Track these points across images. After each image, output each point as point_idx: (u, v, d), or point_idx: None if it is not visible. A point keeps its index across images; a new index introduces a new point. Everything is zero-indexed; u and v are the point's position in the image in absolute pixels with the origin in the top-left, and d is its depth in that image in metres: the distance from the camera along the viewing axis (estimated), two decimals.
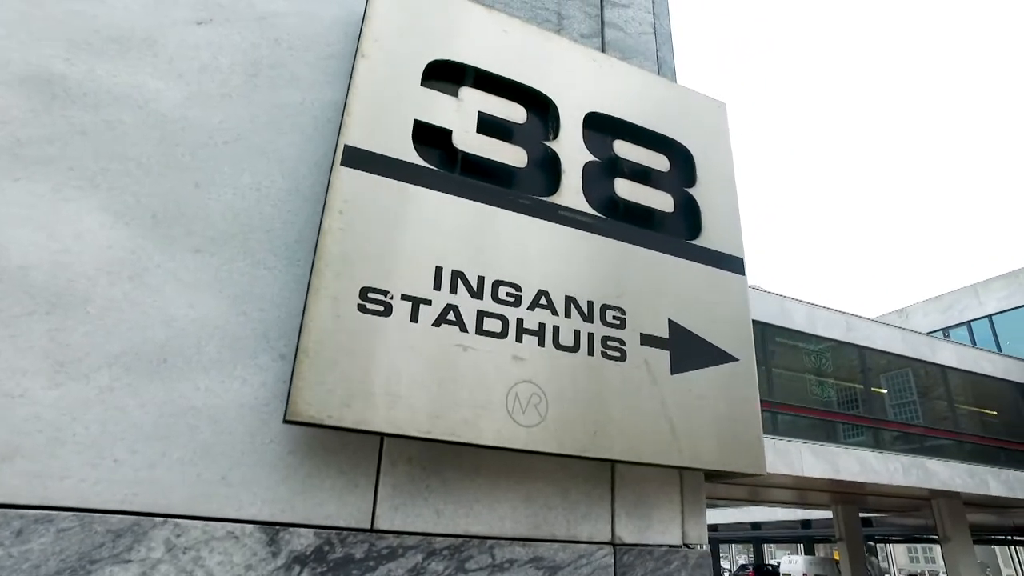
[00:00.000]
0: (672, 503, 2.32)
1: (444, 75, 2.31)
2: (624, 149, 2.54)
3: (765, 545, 35.30)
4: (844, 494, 19.61)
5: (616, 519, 2.19)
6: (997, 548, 37.72)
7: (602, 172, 2.47)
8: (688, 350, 2.29)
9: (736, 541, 38.89)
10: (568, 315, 2.12)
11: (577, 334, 2.10)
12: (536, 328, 2.04)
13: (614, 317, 2.20)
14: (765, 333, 14.22)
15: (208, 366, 1.80)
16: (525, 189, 2.29)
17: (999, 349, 20.21)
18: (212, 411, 1.76)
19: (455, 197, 2.09)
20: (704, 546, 2.31)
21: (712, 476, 2.39)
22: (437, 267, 1.97)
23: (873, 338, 15.87)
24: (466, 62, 2.35)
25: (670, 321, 2.29)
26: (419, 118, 2.15)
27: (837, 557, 21.44)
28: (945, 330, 22.77)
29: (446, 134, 2.19)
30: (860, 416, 14.89)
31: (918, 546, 44.06)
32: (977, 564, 16.94)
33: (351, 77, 2.10)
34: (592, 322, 2.15)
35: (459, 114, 2.22)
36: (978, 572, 16.77)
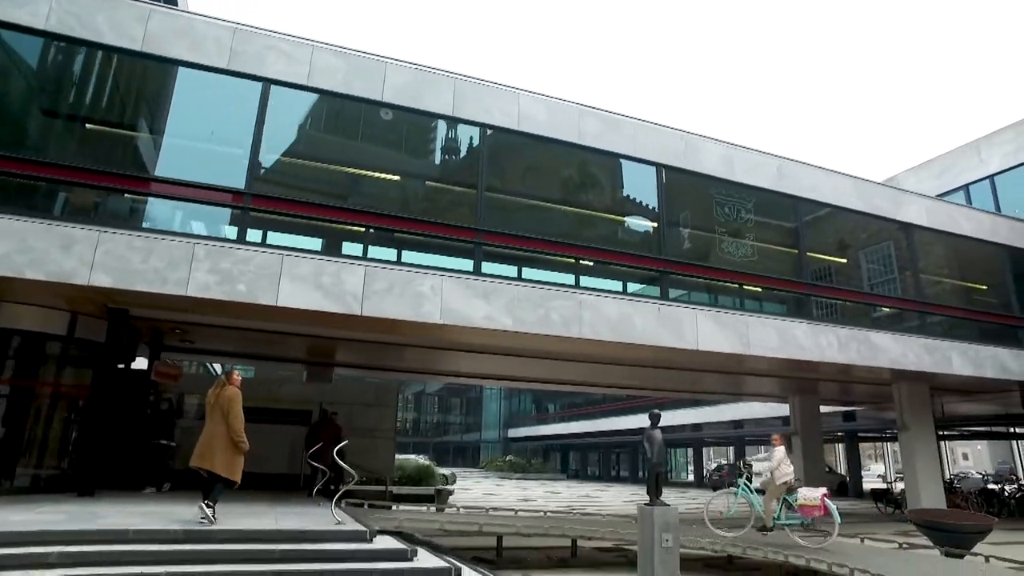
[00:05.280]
0: None
1: None
2: None
3: (749, 447, 33.46)
4: (799, 380, 17.11)
5: None
6: (1015, 443, 35.13)
7: None
8: None
9: (719, 443, 37.15)
10: None
11: None
12: None
13: None
14: (663, 177, 11.34)
15: None
16: None
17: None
18: None
19: None
20: None
21: None
22: None
23: (817, 188, 12.82)
24: None
25: None
26: None
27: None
28: (940, 197, 19.30)
29: None
30: (770, 277, 12.09)
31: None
32: (936, 457, 14.43)
33: None
34: None
35: None
36: (936, 466, 14.29)
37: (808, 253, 12.68)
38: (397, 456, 24.85)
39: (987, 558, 7.44)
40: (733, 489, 8.92)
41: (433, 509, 11.68)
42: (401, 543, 6.38)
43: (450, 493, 16.02)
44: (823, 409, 23.86)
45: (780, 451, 8.60)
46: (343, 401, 13.59)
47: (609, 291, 10.27)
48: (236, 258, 8.43)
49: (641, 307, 10.38)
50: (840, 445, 30.35)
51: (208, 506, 6.58)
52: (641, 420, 35.69)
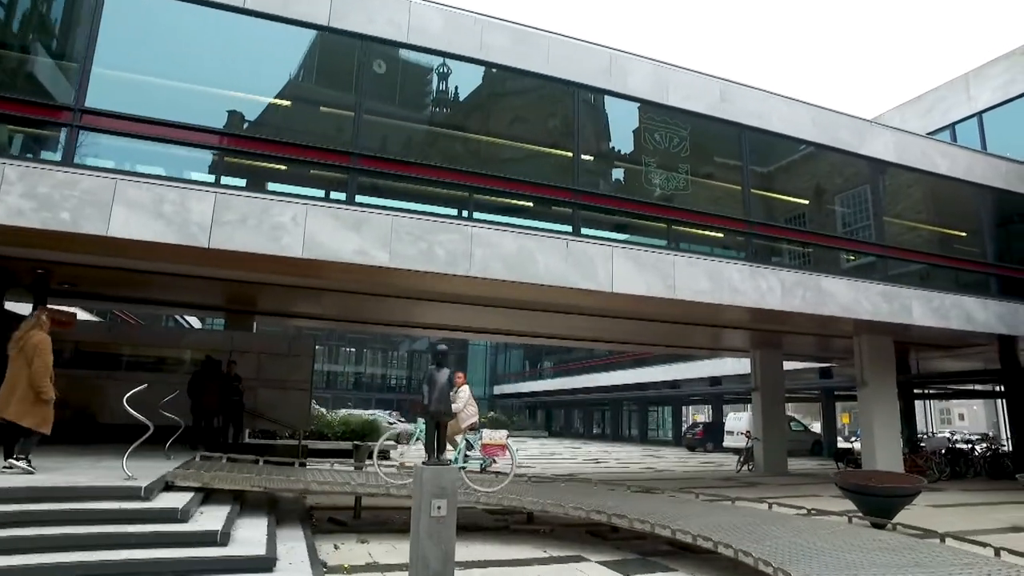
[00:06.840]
0: None
1: None
2: None
3: (728, 405, 32.52)
4: (760, 333, 16.03)
5: None
6: (998, 402, 33.89)
7: None
8: None
9: (698, 401, 36.27)
10: None
11: None
12: None
13: None
14: (580, 99, 10.07)
15: None
16: None
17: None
18: None
19: None
20: None
21: None
22: None
23: (766, 116, 11.46)
24: None
25: None
26: None
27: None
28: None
29: None
30: (703, 213, 10.86)
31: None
32: (896, 415, 13.38)
33: None
34: None
35: None
36: (896, 425, 13.25)
37: (767, 193, 11.53)
38: (348, 411, 24.23)
39: (894, 526, 6.44)
40: (410, 430, 8.83)
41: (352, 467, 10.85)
42: (187, 503, 5.43)
43: (382, 449, 15.12)
44: (800, 366, 22.84)
45: (465, 390, 8.49)
46: (252, 350, 12.69)
47: (507, 224, 9.13)
48: (57, 181, 7.33)
49: (546, 243, 9.25)
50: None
51: (20, 458, 5.97)
52: (620, 377, 34.93)
